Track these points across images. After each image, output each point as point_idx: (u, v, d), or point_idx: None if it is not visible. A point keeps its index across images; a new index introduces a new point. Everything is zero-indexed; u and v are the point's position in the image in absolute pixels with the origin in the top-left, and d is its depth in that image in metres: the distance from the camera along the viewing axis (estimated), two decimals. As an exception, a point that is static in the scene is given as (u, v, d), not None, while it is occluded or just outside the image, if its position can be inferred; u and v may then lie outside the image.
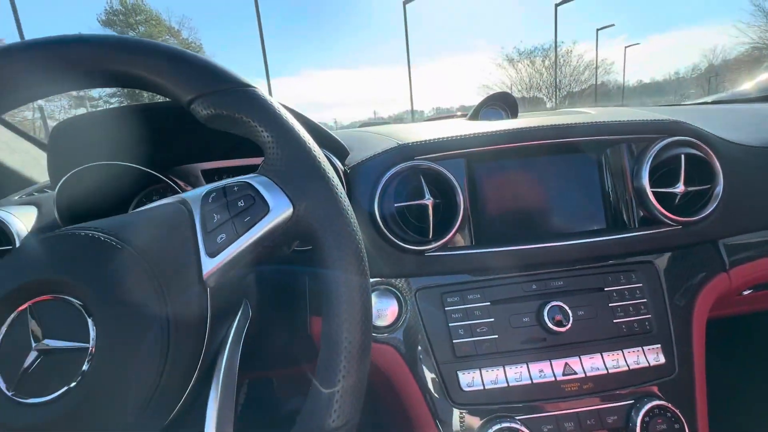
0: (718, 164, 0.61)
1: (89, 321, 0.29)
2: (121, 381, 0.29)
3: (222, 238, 0.34)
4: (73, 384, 0.28)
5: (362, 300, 0.33)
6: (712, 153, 0.61)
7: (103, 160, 0.61)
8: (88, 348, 0.28)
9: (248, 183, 0.35)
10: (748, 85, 1.26)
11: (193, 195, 0.38)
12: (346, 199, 0.36)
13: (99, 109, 0.66)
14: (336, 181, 0.36)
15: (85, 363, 0.28)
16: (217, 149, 0.75)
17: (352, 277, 0.33)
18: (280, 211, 0.34)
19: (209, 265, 0.34)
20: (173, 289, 0.32)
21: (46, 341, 0.29)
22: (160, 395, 0.30)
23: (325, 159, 0.36)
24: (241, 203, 0.35)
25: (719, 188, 0.61)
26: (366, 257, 0.35)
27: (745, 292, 0.73)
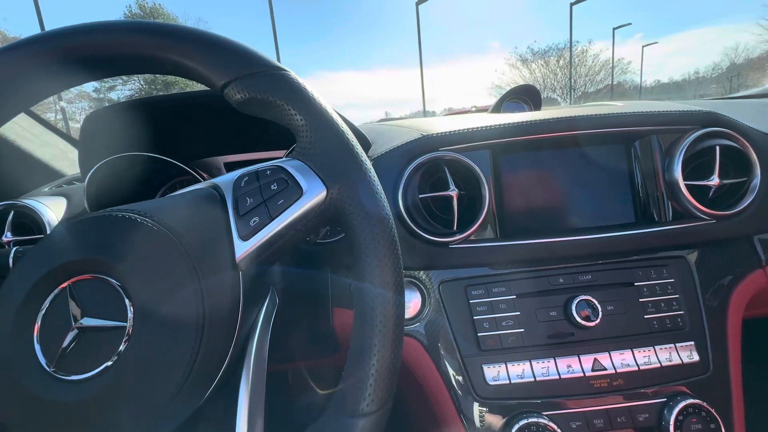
0: (755, 155, 0.59)
1: (127, 301, 0.29)
2: (156, 361, 0.29)
3: (255, 221, 0.34)
4: (110, 363, 0.28)
5: (395, 282, 0.33)
6: (747, 144, 0.59)
7: (131, 150, 0.62)
8: (126, 327, 0.29)
9: (281, 167, 0.35)
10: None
11: (226, 179, 0.38)
12: (379, 183, 0.35)
13: (128, 99, 0.67)
14: (369, 164, 0.35)
15: (122, 343, 0.28)
16: (240, 142, 0.76)
17: (384, 260, 0.33)
18: (313, 194, 0.34)
19: (242, 249, 0.34)
20: (207, 271, 0.32)
21: (85, 320, 0.29)
22: (193, 378, 0.30)
23: (357, 143, 0.36)
24: (274, 186, 0.34)
25: (756, 181, 0.59)
26: (398, 240, 0.34)
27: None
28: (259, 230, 0.34)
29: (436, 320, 0.59)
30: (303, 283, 0.62)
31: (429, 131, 0.62)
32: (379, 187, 0.35)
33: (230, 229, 0.35)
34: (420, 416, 0.67)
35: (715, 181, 0.58)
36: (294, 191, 0.34)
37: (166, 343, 0.29)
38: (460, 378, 0.56)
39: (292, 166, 0.35)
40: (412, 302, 0.60)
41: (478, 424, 0.54)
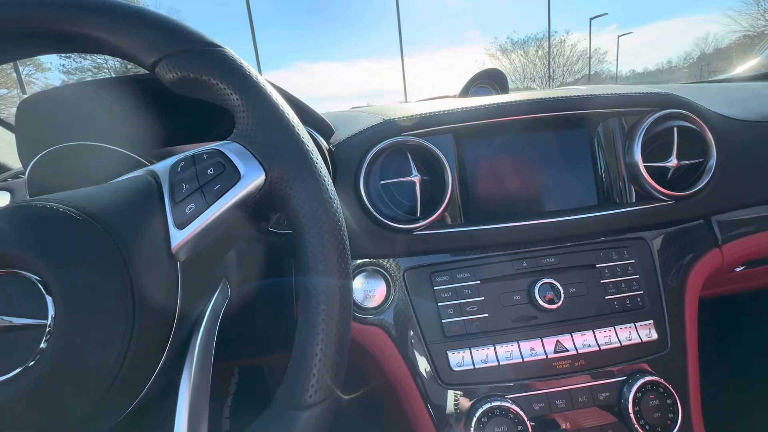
0: (711, 137, 0.60)
1: (47, 297, 0.27)
2: (81, 360, 0.27)
3: (191, 208, 0.32)
4: (30, 363, 0.26)
5: (340, 268, 0.31)
6: (704, 125, 0.60)
7: (78, 139, 0.59)
8: (46, 325, 0.27)
9: (218, 150, 0.33)
10: (738, 69, 1.25)
11: (162, 165, 0.36)
12: (322, 165, 0.34)
13: (70, 83, 0.63)
14: (312, 146, 0.34)
15: (43, 341, 0.26)
16: (202, 130, 0.73)
17: (328, 245, 0.31)
18: (251, 177, 0.32)
19: (178, 238, 0.32)
20: (139, 262, 0.30)
21: (1, 317, 0.27)
22: (124, 376, 0.28)
23: (299, 122, 0.34)
24: (210, 171, 0.33)
25: (712, 161, 0.60)
26: (344, 224, 0.33)
27: (738, 269, 0.72)
28: (196, 217, 0.32)
29: (402, 309, 0.58)
30: (265, 274, 0.60)
31: (392, 116, 0.60)
32: (323, 170, 0.33)
33: (166, 218, 0.33)
34: (388, 405, 0.67)
35: (673, 162, 0.59)
36: (231, 175, 0.32)
37: (92, 340, 0.27)
38: (425, 366, 0.56)
39: (230, 149, 0.33)
40: (378, 291, 0.59)
41: (443, 410, 0.54)
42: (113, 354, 0.28)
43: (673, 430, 0.52)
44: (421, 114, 0.59)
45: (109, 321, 0.28)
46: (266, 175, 0.32)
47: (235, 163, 0.32)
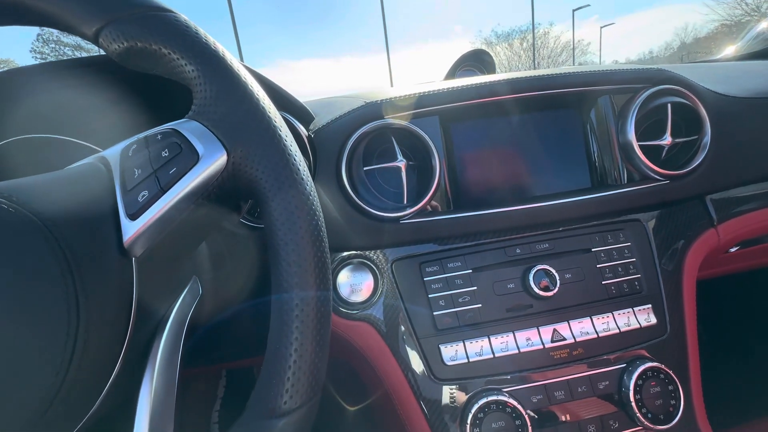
0: (704, 112, 0.58)
1: None
2: (13, 375, 0.23)
3: (144, 195, 0.28)
4: None
5: (315, 253, 0.28)
6: (698, 101, 0.58)
7: (32, 130, 0.54)
8: None
9: (174, 129, 0.29)
10: (720, 56, 1.25)
11: (113, 151, 0.32)
12: (292, 141, 0.30)
13: (20, 66, 0.57)
14: (280, 121, 0.30)
15: None
16: (173, 114, 0.68)
17: (302, 233, 0.28)
18: (211, 158, 0.28)
19: (131, 230, 0.28)
20: (84, 260, 0.26)
21: None
22: (67, 392, 0.25)
23: (265, 95, 0.30)
24: (165, 153, 0.29)
25: (707, 138, 0.58)
26: (319, 209, 0.30)
27: (733, 249, 0.71)
28: (150, 206, 0.28)
29: (390, 302, 0.55)
30: (244, 271, 0.56)
31: (374, 99, 0.57)
32: (294, 147, 0.30)
33: (116, 208, 0.29)
34: (379, 404, 0.64)
35: (667, 140, 0.57)
36: (188, 157, 0.28)
37: (26, 352, 0.23)
38: (417, 361, 0.53)
39: (187, 128, 0.29)
40: (364, 284, 0.55)
41: (437, 407, 0.51)
42: (52, 368, 0.24)
43: (676, 416, 0.50)
44: (405, 95, 0.55)
45: (45, 328, 0.24)
46: (228, 155, 0.28)
47: (192, 143, 0.28)
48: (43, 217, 0.26)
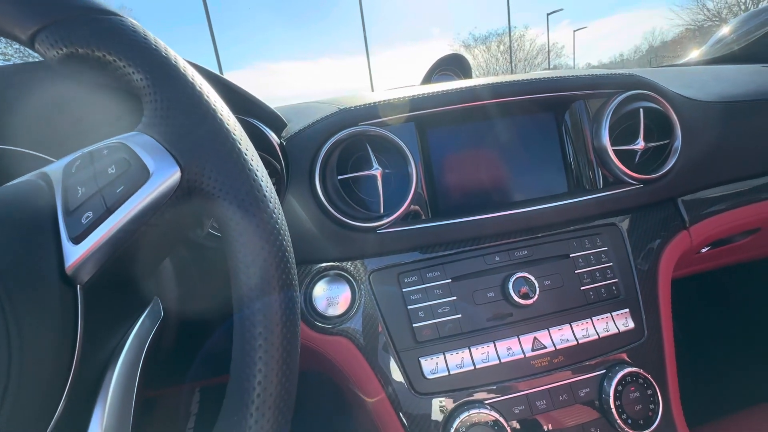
0: (675, 117, 0.58)
1: None
2: None
3: (88, 217, 0.25)
4: None
5: (280, 278, 0.26)
6: (669, 106, 0.59)
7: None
8: None
9: (122, 144, 0.27)
10: (686, 59, 1.29)
11: (55, 167, 0.29)
12: (254, 154, 0.28)
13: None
14: (240, 132, 0.28)
15: None
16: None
17: (262, 253, 0.26)
18: (164, 175, 0.26)
19: (74, 255, 0.25)
20: (19, 289, 0.23)
21: None
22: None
23: (223, 105, 0.28)
24: (111, 170, 0.26)
25: (678, 142, 0.59)
26: (284, 226, 0.28)
27: (704, 250, 0.72)
28: (95, 228, 0.25)
29: (369, 315, 0.53)
30: (214, 285, 0.54)
31: (348, 105, 0.55)
32: (255, 160, 0.28)
33: (58, 230, 0.26)
34: (359, 421, 0.62)
35: (640, 144, 0.57)
36: (138, 174, 0.26)
37: None
38: (397, 375, 0.51)
39: (137, 142, 0.27)
40: (341, 297, 0.53)
41: (418, 423, 0.50)
42: None
43: (655, 421, 0.50)
44: (380, 101, 0.54)
45: None
46: (182, 171, 0.26)
47: (142, 158, 0.26)
48: None
